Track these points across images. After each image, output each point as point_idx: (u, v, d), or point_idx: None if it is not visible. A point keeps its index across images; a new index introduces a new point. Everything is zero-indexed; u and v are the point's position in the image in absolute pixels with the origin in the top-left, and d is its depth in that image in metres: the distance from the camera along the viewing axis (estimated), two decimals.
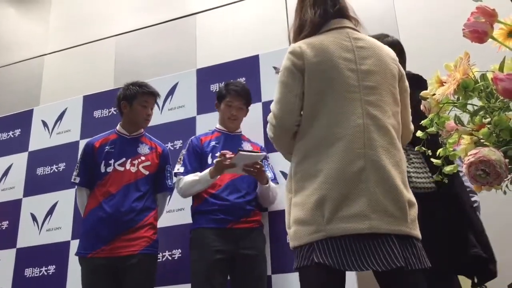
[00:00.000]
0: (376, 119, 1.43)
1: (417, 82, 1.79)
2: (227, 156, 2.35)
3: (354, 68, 1.47)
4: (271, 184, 2.51)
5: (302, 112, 1.48)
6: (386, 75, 1.50)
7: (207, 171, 2.43)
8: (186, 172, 2.51)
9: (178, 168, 2.54)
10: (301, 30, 1.56)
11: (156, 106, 3.08)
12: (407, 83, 1.57)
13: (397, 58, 1.57)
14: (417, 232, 1.43)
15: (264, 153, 2.46)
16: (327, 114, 1.44)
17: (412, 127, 1.58)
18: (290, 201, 1.48)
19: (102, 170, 2.52)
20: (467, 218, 1.62)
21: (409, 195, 1.44)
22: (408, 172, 1.68)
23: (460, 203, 1.70)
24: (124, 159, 2.54)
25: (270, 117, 1.54)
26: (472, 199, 2.07)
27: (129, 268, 2.36)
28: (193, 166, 2.53)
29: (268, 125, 1.55)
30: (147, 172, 2.54)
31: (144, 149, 2.61)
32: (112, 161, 2.53)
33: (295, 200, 1.46)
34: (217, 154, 2.43)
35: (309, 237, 1.39)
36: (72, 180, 2.60)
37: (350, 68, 1.46)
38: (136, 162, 2.54)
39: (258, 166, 2.36)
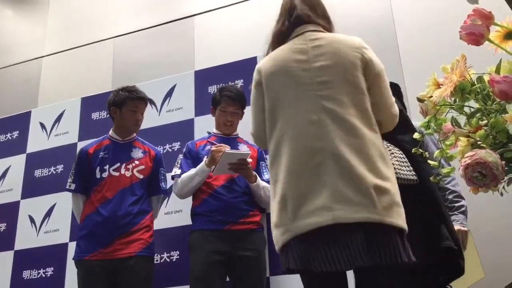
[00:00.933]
0: (332, 112, 1.45)
1: (395, 89, 1.83)
2: (221, 149, 2.40)
3: (307, 68, 1.52)
4: (262, 183, 2.51)
5: (266, 118, 1.56)
6: (342, 66, 1.52)
7: (202, 162, 2.47)
8: (182, 174, 2.54)
9: (176, 171, 2.56)
10: (269, 45, 1.69)
11: (154, 108, 3.10)
12: (377, 67, 1.56)
13: (362, 46, 1.57)
14: (392, 220, 1.36)
15: (249, 152, 2.46)
16: (283, 116, 1.50)
17: (394, 109, 1.58)
18: (271, 207, 1.53)
19: (98, 176, 2.54)
20: (440, 211, 1.64)
21: (378, 181, 1.39)
22: (392, 163, 1.69)
23: (432, 195, 1.71)
24: (118, 164, 2.56)
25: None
26: (460, 203, 2.10)
27: (126, 270, 2.37)
28: (190, 168, 2.55)
29: None
30: (141, 176, 2.56)
31: (137, 153, 2.62)
32: (107, 167, 2.55)
33: (271, 203, 1.51)
34: (213, 147, 2.46)
35: (281, 238, 1.42)
36: (67, 187, 2.61)
37: (303, 68, 1.52)
38: (130, 166, 2.56)
39: (243, 163, 2.37)
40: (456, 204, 2.10)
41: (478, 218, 2.34)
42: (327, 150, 1.41)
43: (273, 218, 1.48)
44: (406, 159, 1.74)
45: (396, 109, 1.59)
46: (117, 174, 2.53)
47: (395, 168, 1.68)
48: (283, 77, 1.53)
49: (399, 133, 1.77)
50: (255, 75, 1.61)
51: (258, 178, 2.50)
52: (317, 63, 1.52)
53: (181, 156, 2.63)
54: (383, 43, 3.22)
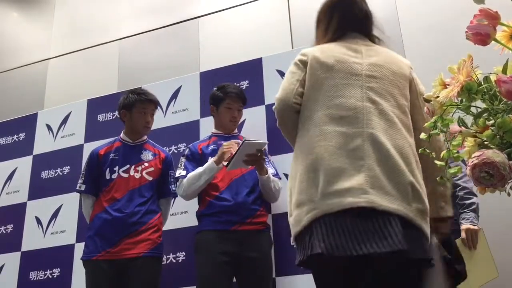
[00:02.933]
0: (377, 103, 1.45)
1: None
2: (231, 146, 2.39)
3: (359, 62, 1.53)
4: (271, 176, 2.50)
5: (303, 98, 1.54)
6: (393, 70, 1.54)
7: (210, 160, 2.45)
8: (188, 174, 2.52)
9: (180, 172, 2.55)
10: (321, 37, 1.66)
11: (159, 109, 3.11)
12: (421, 88, 1.58)
13: (410, 65, 1.62)
14: (422, 225, 1.34)
15: (267, 141, 2.48)
16: (327, 98, 1.48)
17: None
18: (290, 189, 1.48)
19: (107, 177, 2.56)
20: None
21: (414, 181, 1.36)
22: None
23: None
24: (128, 165, 2.58)
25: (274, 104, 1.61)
26: (471, 200, 2.07)
27: (134, 270, 2.37)
28: (194, 169, 2.53)
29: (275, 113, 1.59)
30: (150, 178, 2.57)
31: (147, 155, 2.63)
32: (116, 168, 2.57)
33: (292, 184, 1.47)
34: (224, 143, 2.46)
35: (306, 217, 1.35)
36: (77, 188, 2.63)
37: (354, 61, 1.53)
38: (139, 168, 2.57)
39: (259, 154, 2.36)
40: (467, 202, 2.08)
41: (490, 215, 2.29)
42: (368, 136, 1.39)
43: (296, 196, 1.41)
44: None
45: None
46: (126, 175, 2.55)
47: None
48: (333, 63, 1.52)
49: None
50: (300, 56, 1.60)
51: (269, 170, 2.50)
52: (370, 60, 1.54)
53: (183, 158, 2.61)
54: (388, 43, 3.21)
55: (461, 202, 2.09)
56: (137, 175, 2.55)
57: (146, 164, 2.60)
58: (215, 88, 2.70)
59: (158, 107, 3.14)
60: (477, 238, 2.00)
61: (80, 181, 2.64)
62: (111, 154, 2.62)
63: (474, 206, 2.07)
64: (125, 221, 2.42)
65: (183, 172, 2.53)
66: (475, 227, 2.01)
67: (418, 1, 3.27)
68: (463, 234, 1.99)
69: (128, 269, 2.38)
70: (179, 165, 2.59)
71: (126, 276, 2.38)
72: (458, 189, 2.11)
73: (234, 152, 2.32)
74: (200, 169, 2.47)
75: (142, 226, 2.44)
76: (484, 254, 1.96)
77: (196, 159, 2.58)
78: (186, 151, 2.65)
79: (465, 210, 2.06)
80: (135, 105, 2.61)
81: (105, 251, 2.40)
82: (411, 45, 3.15)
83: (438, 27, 3.04)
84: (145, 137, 2.72)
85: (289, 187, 1.50)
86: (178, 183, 2.55)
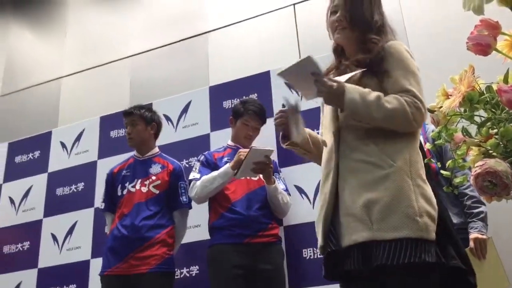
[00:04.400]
0: None
1: None
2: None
3: None
4: (279, 187, 2.51)
5: None
6: None
7: (226, 165, 2.46)
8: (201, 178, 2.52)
9: (194, 175, 2.55)
10: (386, 31, 1.61)
11: (170, 124, 3.16)
12: None
13: None
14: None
15: (273, 149, 2.48)
16: None
17: None
18: (411, 186, 1.36)
19: (119, 193, 2.63)
20: (447, 229, 1.61)
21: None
22: None
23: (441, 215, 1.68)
24: (136, 180, 2.62)
25: (414, 101, 1.42)
26: (479, 209, 2.05)
27: (142, 287, 2.39)
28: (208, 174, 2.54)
29: (411, 108, 1.41)
30: (157, 191, 2.59)
31: (156, 168, 2.66)
32: (127, 184, 2.62)
33: (421, 191, 1.37)
34: (242, 149, 2.49)
35: (433, 234, 1.34)
36: (99, 206, 2.73)
37: None
38: (147, 182, 2.61)
39: (267, 162, 2.37)
40: (475, 211, 2.06)
41: (499, 224, 2.27)
42: None
43: (428, 208, 1.36)
44: None
45: None
46: (133, 190, 2.59)
47: None
48: None
49: None
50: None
51: (279, 186, 2.51)
52: None
53: (198, 163, 2.62)
54: None
55: (469, 211, 2.07)
56: (144, 189, 2.58)
57: (154, 178, 2.62)
58: (239, 101, 2.74)
59: (169, 122, 3.21)
60: (486, 247, 1.97)
61: (101, 199, 2.75)
62: (124, 171, 2.69)
63: (482, 215, 2.04)
64: (131, 236, 2.46)
65: (197, 175, 2.53)
66: (484, 236, 1.99)
67: (424, 10, 3.28)
68: (471, 244, 1.97)
69: (136, 285, 2.40)
70: (194, 169, 2.59)
71: None
72: (465, 198, 2.09)
73: (242, 160, 2.34)
74: (215, 173, 2.48)
75: (148, 241, 2.45)
76: (494, 264, 1.93)
77: (211, 165, 2.58)
78: (201, 157, 2.65)
79: (473, 219, 2.04)
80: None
81: (115, 266, 2.44)
82: (417, 54, 3.14)
83: (444, 36, 3.05)
84: (157, 150, 2.76)
85: (407, 180, 1.36)
86: (191, 185, 2.54)
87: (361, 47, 1.57)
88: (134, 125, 2.69)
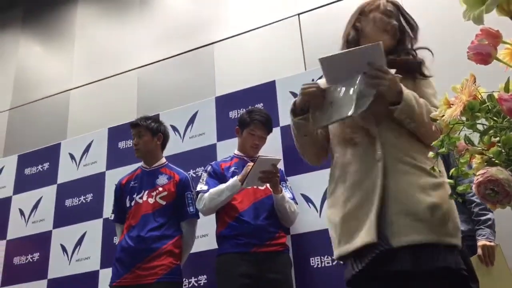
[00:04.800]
0: None
1: None
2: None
3: None
4: (287, 195, 2.52)
5: None
6: None
7: (234, 178, 2.47)
8: (209, 189, 2.53)
9: (201, 187, 2.56)
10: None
11: (177, 134, 3.19)
12: None
13: None
14: None
15: (280, 158, 2.49)
16: None
17: None
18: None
19: (127, 204, 2.66)
20: None
21: None
22: None
23: None
24: (143, 191, 2.64)
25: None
26: (487, 216, 2.06)
27: None
28: (216, 186, 2.55)
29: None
30: (164, 202, 2.61)
31: (162, 180, 2.68)
32: (134, 195, 2.65)
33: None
34: (248, 163, 2.49)
35: None
36: (109, 217, 2.75)
37: None
38: (154, 193, 2.62)
39: (274, 171, 2.39)
40: (482, 218, 2.06)
41: (506, 230, 2.26)
42: None
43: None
44: None
45: None
46: (141, 201, 2.62)
47: None
48: None
49: None
50: None
51: (286, 195, 2.51)
52: None
53: (205, 174, 2.63)
54: None
55: (476, 219, 2.07)
56: (151, 200, 2.60)
57: (160, 189, 2.64)
58: (245, 110, 2.75)
59: (176, 133, 3.23)
60: (494, 254, 1.97)
61: (111, 210, 2.78)
62: (131, 182, 2.72)
63: (489, 222, 2.05)
64: (137, 247, 2.48)
65: (205, 187, 2.54)
66: (492, 243, 1.99)
67: (428, 16, 3.30)
68: (479, 251, 1.97)
69: None
70: (201, 180, 2.61)
71: None
72: (473, 205, 2.09)
73: (249, 170, 2.36)
74: (223, 186, 2.49)
75: (154, 252, 2.47)
76: (502, 270, 1.93)
77: (218, 176, 2.59)
78: (209, 168, 2.66)
79: (481, 227, 2.04)
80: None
81: (123, 277, 2.47)
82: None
83: (447, 43, 3.06)
84: (164, 160, 2.79)
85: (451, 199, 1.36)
86: (198, 197, 2.55)
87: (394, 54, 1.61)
88: (140, 136, 2.72)
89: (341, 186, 1.49)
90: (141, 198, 2.62)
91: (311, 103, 1.54)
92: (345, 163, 1.51)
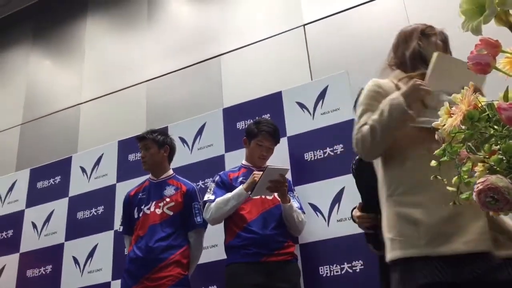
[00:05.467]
0: None
1: None
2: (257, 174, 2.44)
3: None
4: (295, 205, 2.53)
5: None
6: None
7: (239, 187, 2.50)
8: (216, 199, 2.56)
9: (209, 196, 2.58)
10: None
11: (186, 146, 3.24)
12: None
13: None
14: None
15: (288, 168, 2.52)
16: None
17: None
18: None
19: (135, 216, 2.70)
20: None
21: None
22: None
23: None
24: (151, 202, 2.68)
25: None
26: None
27: None
28: (223, 195, 2.57)
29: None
30: (171, 213, 2.64)
31: (170, 190, 2.72)
32: (143, 206, 2.69)
33: None
34: (256, 171, 2.51)
35: None
36: (118, 229, 2.79)
37: None
38: (161, 204, 2.66)
39: (282, 180, 2.41)
40: None
41: None
42: None
43: None
44: None
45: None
46: (148, 212, 2.65)
47: None
48: None
49: None
50: None
51: (293, 204, 2.53)
52: None
53: (213, 184, 2.66)
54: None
55: None
56: (158, 211, 2.64)
57: (168, 200, 2.68)
58: (252, 121, 2.77)
59: (184, 144, 3.28)
60: None
61: (120, 222, 2.81)
62: (140, 194, 2.76)
63: None
64: (145, 257, 2.51)
65: (212, 197, 2.57)
66: None
67: (430, 16, 3.32)
68: None
69: None
70: (208, 190, 2.63)
71: None
72: None
73: (257, 179, 2.38)
74: (228, 195, 2.52)
75: (162, 262, 2.49)
76: None
77: (226, 186, 2.62)
78: (217, 178, 2.68)
79: None
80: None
81: None
82: None
83: (454, 53, 3.07)
84: (171, 172, 2.82)
85: None
86: (205, 207, 2.57)
87: None
88: (147, 149, 2.77)
89: (427, 188, 1.42)
90: (148, 209, 2.66)
91: (416, 100, 1.50)
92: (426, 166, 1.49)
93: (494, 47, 1.19)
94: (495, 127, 1.16)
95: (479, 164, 1.22)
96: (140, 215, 2.67)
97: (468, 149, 1.21)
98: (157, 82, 4.23)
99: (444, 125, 1.26)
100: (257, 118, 3.00)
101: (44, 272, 3.47)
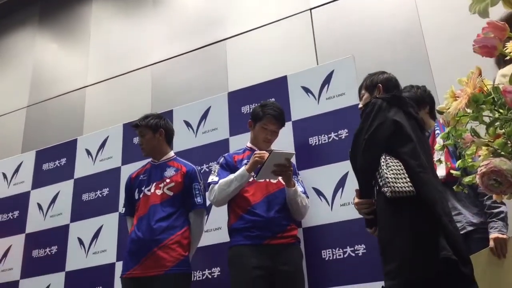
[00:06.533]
0: None
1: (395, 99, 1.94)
2: (263, 155, 2.44)
3: None
4: (298, 189, 2.54)
5: None
6: None
7: (242, 168, 2.50)
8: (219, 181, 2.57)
9: (213, 178, 2.59)
10: None
11: (190, 130, 3.25)
12: None
13: None
14: None
15: (294, 152, 2.50)
16: None
17: None
18: None
19: (136, 197, 2.73)
20: (438, 224, 1.63)
21: None
22: (387, 177, 1.71)
23: (431, 206, 1.68)
24: (151, 184, 2.70)
25: None
26: (499, 209, 2.06)
27: None
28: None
29: None
30: (171, 193, 2.65)
31: (170, 172, 2.73)
32: (143, 188, 2.71)
33: None
34: (256, 151, 2.51)
35: None
36: (120, 211, 2.82)
37: None
38: (162, 185, 2.68)
39: (288, 164, 2.41)
40: (495, 211, 2.07)
41: None
42: None
43: None
44: (403, 170, 1.73)
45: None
46: (149, 193, 2.67)
47: (389, 182, 1.69)
48: None
49: (399, 145, 1.79)
50: None
51: (298, 188, 2.53)
52: None
53: (217, 165, 2.66)
54: (412, 55, 3.24)
55: (488, 211, 2.08)
56: (159, 192, 2.65)
57: (168, 180, 2.69)
58: (258, 104, 2.74)
59: (189, 128, 3.29)
60: (506, 247, 1.98)
61: (122, 204, 2.84)
62: (141, 176, 2.79)
63: (502, 215, 2.06)
64: (146, 238, 2.53)
65: (215, 178, 2.57)
66: (504, 236, 1.99)
67: (441, 11, 3.29)
68: (491, 243, 1.98)
69: (152, 287, 2.45)
70: (213, 172, 2.64)
71: None
72: (485, 198, 2.10)
73: (263, 163, 2.38)
74: (231, 176, 2.52)
75: (162, 243, 2.51)
76: None
77: (231, 167, 2.62)
78: (221, 160, 2.68)
79: (493, 219, 2.05)
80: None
81: (133, 269, 2.52)
82: (436, 56, 3.17)
83: (462, 37, 3.05)
84: (171, 154, 2.84)
85: None
86: (209, 189, 2.58)
87: None
88: (143, 135, 2.78)
89: None
90: (149, 190, 2.68)
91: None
92: None
93: (501, 31, 1.18)
94: (500, 110, 1.15)
95: (483, 148, 1.22)
96: (141, 196, 2.69)
97: (472, 132, 1.21)
98: (163, 65, 4.23)
99: (449, 108, 1.26)
100: (261, 102, 2.98)
101: (49, 253, 3.51)
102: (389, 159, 1.78)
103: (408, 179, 1.71)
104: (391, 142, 1.79)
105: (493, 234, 2.02)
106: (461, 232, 2.05)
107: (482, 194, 2.12)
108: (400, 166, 1.75)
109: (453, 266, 1.59)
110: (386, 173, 1.71)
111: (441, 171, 2.09)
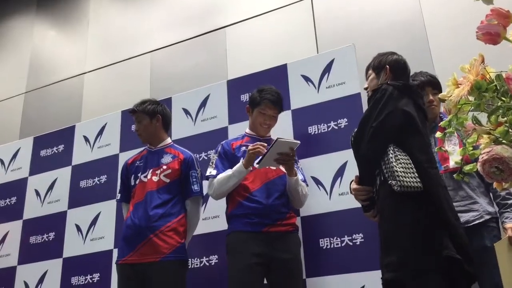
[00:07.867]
0: None
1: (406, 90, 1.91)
2: (257, 149, 2.41)
3: None
4: (300, 178, 2.53)
5: None
6: None
7: (239, 163, 2.49)
8: (218, 174, 2.55)
9: (210, 171, 2.57)
10: None
11: (189, 118, 3.23)
12: None
13: None
14: None
15: (299, 142, 2.45)
16: None
17: None
18: None
19: (132, 183, 2.71)
20: (444, 220, 1.62)
21: None
22: (396, 171, 1.68)
23: (437, 203, 1.68)
24: (148, 170, 2.68)
25: None
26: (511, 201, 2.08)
27: (153, 275, 2.44)
28: (225, 169, 2.56)
29: None
30: (168, 180, 2.64)
31: (167, 158, 2.71)
32: (139, 174, 2.69)
33: None
34: (250, 146, 2.48)
35: None
36: (116, 198, 2.82)
37: None
38: (158, 172, 2.66)
39: (292, 154, 2.39)
40: (509, 201, 2.09)
41: None
42: None
43: None
44: (412, 165, 1.72)
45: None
46: (145, 180, 2.65)
47: (398, 176, 1.67)
48: None
49: (407, 138, 1.77)
50: None
51: (298, 176, 2.52)
52: None
53: (215, 156, 2.64)
54: (413, 43, 3.22)
55: (503, 202, 2.10)
56: (155, 178, 2.64)
57: (164, 167, 2.67)
58: (256, 89, 2.70)
59: (188, 116, 3.27)
60: None
61: (118, 190, 2.83)
62: (137, 162, 2.77)
63: None
64: (142, 225, 2.52)
65: (214, 172, 2.56)
66: None
67: (443, 2, 3.26)
68: (509, 232, 1.99)
69: (149, 273, 2.44)
70: (210, 163, 2.62)
71: (148, 280, 2.45)
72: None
73: (266, 150, 2.35)
74: (229, 172, 2.50)
75: (159, 229, 2.50)
76: None
77: (229, 157, 2.60)
78: (219, 148, 2.66)
79: (508, 210, 2.07)
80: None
81: (128, 254, 2.51)
82: (437, 46, 3.15)
83: (463, 28, 3.03)
84: (169, 141, 2.82)
85: None
86: (208, 182, 2.58)
87: None
88: (139, 122, 2.76)
89: None
90: (146, 176, 2.66)
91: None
92: None
93: (505, 18, 1.16)
94: (503, 98, 1.14)
95: (484, 136, 1.21)
96: (137, 182, 2.67)
97: (474, 120, 1.20)
98: (162, 52, 4.21)
99: (451, 96, 1.25)
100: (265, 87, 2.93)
101: (46, 239, 3.51)
102: (397, 151, 1.74)
103: (416, 174, 1.69)
104: (400, 133, 1.76)
105: (508, 224, 2.04)
106: (479, 221, 2.08)
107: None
108: (408, 160, 1.73)
109: (456, 264, 1.58)
110: (395, 166, 1.69)
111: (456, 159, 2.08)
